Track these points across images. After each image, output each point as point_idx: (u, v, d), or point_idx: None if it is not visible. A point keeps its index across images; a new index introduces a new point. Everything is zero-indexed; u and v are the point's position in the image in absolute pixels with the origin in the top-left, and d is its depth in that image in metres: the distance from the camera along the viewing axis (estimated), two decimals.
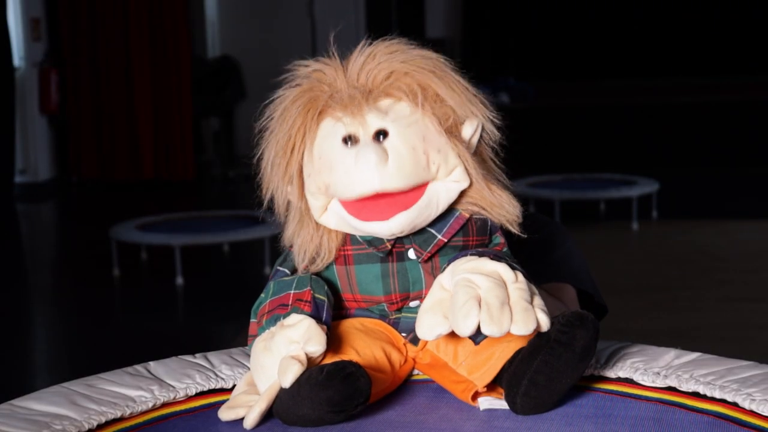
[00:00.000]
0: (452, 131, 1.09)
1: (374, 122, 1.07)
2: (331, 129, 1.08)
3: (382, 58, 1.10)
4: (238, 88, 8.49)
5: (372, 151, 1.05)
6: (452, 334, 1.10)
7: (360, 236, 1.11)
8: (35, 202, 7.54)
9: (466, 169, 1.09)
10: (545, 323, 1.02)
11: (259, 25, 9.55)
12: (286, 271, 1.15)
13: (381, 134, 1.07)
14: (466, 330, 1.00)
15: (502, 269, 1.04)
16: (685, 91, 8.70)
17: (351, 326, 1.13)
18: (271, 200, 1.14)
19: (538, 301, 1.04)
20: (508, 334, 1.05)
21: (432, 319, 1.03)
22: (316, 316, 1.07)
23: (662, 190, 6.10)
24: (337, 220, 1.10)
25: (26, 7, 7.65)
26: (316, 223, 1.11)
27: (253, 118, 1.15)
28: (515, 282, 1.03)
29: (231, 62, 8.59)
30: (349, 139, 1.07)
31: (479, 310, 0.99)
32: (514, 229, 1.12)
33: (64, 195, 7.96)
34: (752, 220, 6.04)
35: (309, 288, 1.10)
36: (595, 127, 8.18)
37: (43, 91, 7.78)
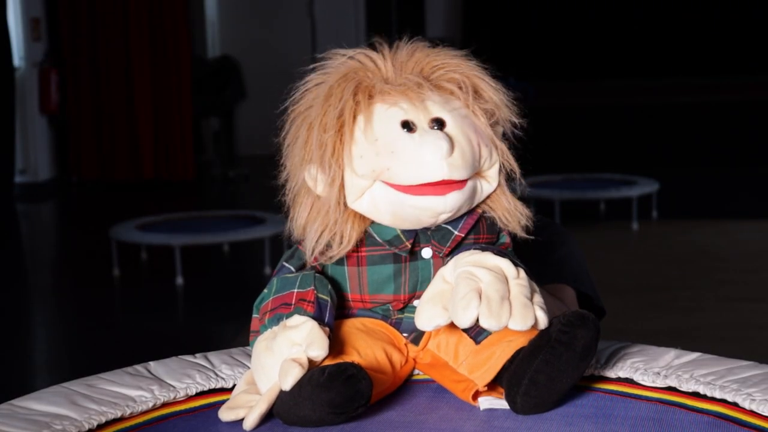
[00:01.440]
0: (493, 130, 1.11)
1: (434, 109, 1.07)
2: (385, 113, 1.07)
3: (429, 51, 1.11)
4: (238, 88, 8.49)
5: (442, 138, 1.05)
6: (453, 332, 1.11)
7: (379, 237, 1.10)
8: (35, 202, 7.55)
9: (500, 169, 1.11)
10: (543, 321, 1.02)
11: (259, 25, 9.55)
12: (291, 268, 1.13)
13: (438, 123, 1.07)
14: (465, 321, 1.00)
15: (504, 264, 1.04)
16: (685, 91, 8.70)
17: (352, 326, 1.13)
18: (285, 186, 1.12)
19: (537, 298, 1.04)
20: (510, 332, 1.05)
21: (432, 310, 1.04)
22: (319, 318, 1.07)
23: (662, 190, 6.11)
24: (371, 203, 1.08)
25: (26, 7, 7.65)
26: (344, 207, 1.09)
27: (270, 109, 1.13)
28: (516, 278, 1.04)
29: (231, 62, 8.59)
30: (408, 125, 1.07)
31: (479, 302, 1.00)
32: (519, 233, 1.13)
33: (64, 195, 7.96)
34: (752, 220, 6.04)
35: (313, 287, 1.09)
36: (595, 127, 8.18)
37: (43, 91, 7.78)
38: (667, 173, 7.12)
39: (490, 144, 1.10)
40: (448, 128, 1.07)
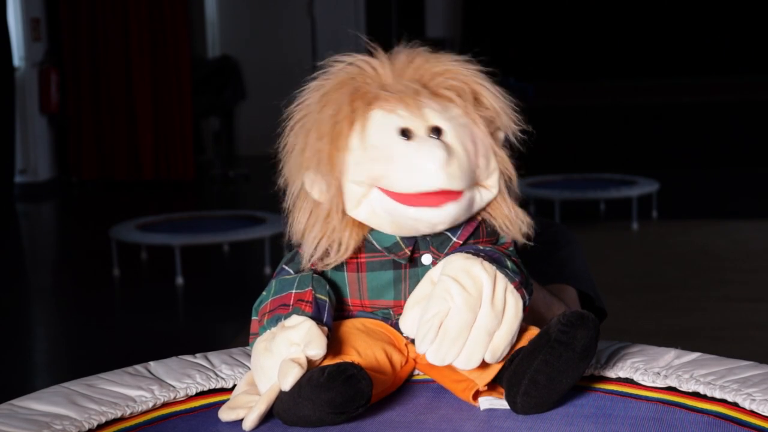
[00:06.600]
0: (493, 137, 1.10)
1: (432, 117, 1.06)
2: (383, 119, 1.06)
3: (429, 57, 1.10)
4: (238, 88, 8.49)
5: (440, 147, 1.03)
6: None
7: (378, 244, 1.10)
8: (35, 202, 7.55)
9: (500, 176, 1.09)
10: (492, 359, 1.03)
11: (259, 25, 9.55)
12: (290, 270, 1.13)
13: (436, 131, 1.06)
14: (420, 349, 1.02)
15: (485, 281, 1.03)
16: (685, 91, 8.71)
17: (352, 327, 1.13)
18: (285, 191, 1.11)
19: (501, 331, 1.03)
20: None
21: (416, 316, 1.05)
22: (317, 317, 1.07)
23: (662, 190, 6.11)
24: (370, 211, 1.07)
25: (26, 7, 7.65)
26: (342, 215, 1.08)
27: (277, 105, 1.12)
28: (490, 302, 1.03)
29: (231, 62, 8.59)
30: (406, 132, 1.05)
31: (435, 335, 1.01)
32: (519, 240, 1.12)
33: (64, 195, 7.96)
34: (752, 220, 6.04)
35: (310, 288, 1.09)
36: (595, 127, 8.18)
37: (43, 91, 7.78)
38: (667, 173, 7.12)
39: (488, 153, 1.08)
40: (446, 137, 1.05)
